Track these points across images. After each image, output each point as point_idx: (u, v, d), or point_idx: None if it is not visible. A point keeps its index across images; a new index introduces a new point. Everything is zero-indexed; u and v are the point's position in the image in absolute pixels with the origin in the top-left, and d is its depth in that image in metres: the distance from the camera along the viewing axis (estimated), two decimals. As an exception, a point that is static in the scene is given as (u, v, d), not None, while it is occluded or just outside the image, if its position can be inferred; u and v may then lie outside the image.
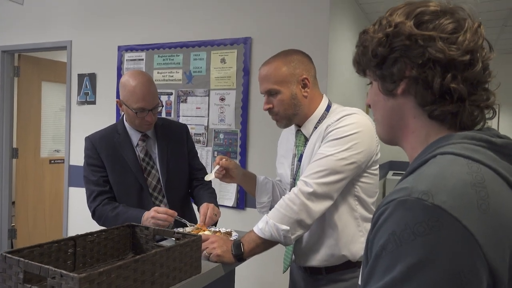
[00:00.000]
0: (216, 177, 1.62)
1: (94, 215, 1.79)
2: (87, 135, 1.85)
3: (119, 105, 1.78)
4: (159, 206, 1.76)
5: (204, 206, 1.71)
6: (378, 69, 0.75)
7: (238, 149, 3.03)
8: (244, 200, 3.01)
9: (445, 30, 0.69)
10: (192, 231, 1.62)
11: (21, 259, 0.94)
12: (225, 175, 1.63)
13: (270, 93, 1.48)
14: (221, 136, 3.09)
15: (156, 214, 1.58)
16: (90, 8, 3.64)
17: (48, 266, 0.88)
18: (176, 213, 1.62)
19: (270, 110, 1.51)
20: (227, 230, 1.67)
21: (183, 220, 1.68)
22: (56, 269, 0.86)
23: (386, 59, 0.73)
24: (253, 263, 1.40)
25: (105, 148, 1.79)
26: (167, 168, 1.83)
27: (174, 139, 1.90)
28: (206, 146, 3.11)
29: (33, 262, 0.92)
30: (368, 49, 0.75)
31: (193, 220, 1.91)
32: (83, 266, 1.19)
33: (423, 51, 0.68)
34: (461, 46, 0.68)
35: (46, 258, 1.08)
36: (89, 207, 1.79)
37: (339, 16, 3.11)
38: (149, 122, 1.75)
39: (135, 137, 1.83)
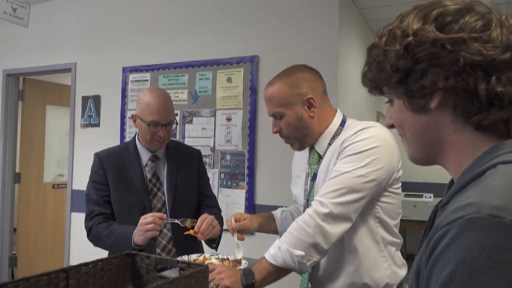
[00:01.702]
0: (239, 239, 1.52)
1: (89, 235, 1.72)
2: (96, 152, 1.81)
3: (133, 120, 1.74)
4: (162, 230, 1.65)
5: (203, 215, 1.61)
6: (402, 85, 0.66)
7: (246, 171, 2.91)
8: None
9: (475, 29, 0.60)
10: (196, 260, 1.50)
11: (2, 296, 0.82)
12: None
13: (276, 116, 1.39)
14: (228, 157, 2.98)
15: (143, 221, 1.50)
16: (95, 29, 3.61)
17: (30, 305, 0.76)
18: (164, 215, 1.55)
19: (280, 133, 1.42)
20: (236, 258, 1.55)
21: (176, 221, 1.60)
22: (39, 308, 0.74)
23: (410, 73, 0.64)
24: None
25: (112, 166, 1.73)
26: (174, 192, 1.74)
27: (186, 163, 1.83)
28: (213, 168, 2.99)
29: (14, 300, 0.80)
30: (385, 65, 0.66)
31: (199, 250, 1.79)
32: (76, 301, 1.07)
33: (456, 56, 0.59)
34: (497, 43, 0.59)
35: (34, 294, 0.96)
36: (85, 226, 1.73)
37: (347, 32, 3.03)
38: (161, 138, 1.68)
39: (145, 156, 1.76)
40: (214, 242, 1.75)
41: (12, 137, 4.07)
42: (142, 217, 1.52)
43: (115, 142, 3.43)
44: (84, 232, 3.61)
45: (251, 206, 2.89)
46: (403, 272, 1.35)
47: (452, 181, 0.74)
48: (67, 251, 3.63)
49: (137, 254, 1.23)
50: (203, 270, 1.07)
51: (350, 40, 3.13)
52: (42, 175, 4.37)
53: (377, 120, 3.99)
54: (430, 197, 5.14)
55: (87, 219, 1.72)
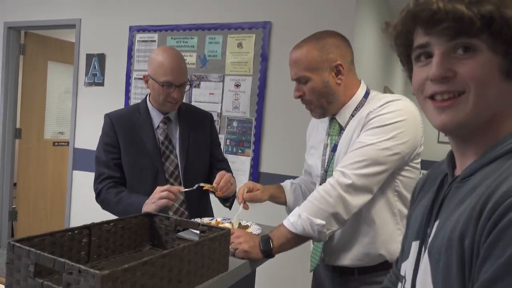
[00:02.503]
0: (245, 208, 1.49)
1: (98, 198, 1.71)
2: (107, 113, 1.76)
3: (145, 80, 1.68)
4: (180, 199, 1.65)
5: (221, 172, 1.61)
6: (508, 43, 0.59)
7: (252, 138, 2.90)
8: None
9: None
10: (209, 223, 1.50)
11: (32, 249, 0.81)
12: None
13: (300, 81, 1.35)
14: (235, 124, 2.96)
15: (155, 195, 1.47)
16: (102, -15, 3.49)
17: (64, 260, 0.75)
18: (181, 188, 1.52)
19: (302, 98, 1.38)
20: (247, 223, 1.56)
21: (192, 188, 1.56)
22: (73, 263, 0.74)
23: None
24: (274, 259, 1.28)
25: (123, 128, 1.69)
26: (187, 155, 1.71)
27: (197, 126, 1.79)
28: (219, 133, 2.97)
29: (45, 254, 0.79)
30: None
31: (211, 213, 1.79)
32: (98, 257, 1.07)
33: None
34: None
35: (58, 248, 0.96)
36: (95, 188, 1.71)
37: (364, 4, 2.95)
38: (175, 100, 1.64)
39: (157, 118, 1.72)
40: (228, 201, 1.75)
41: (13, 92, 3.99)
42: (158, 188, 1.49)
43: (119, 102, 3.38)
44: (86, 190, 3.62)
45: (255, 173, 2.90)
46: (416, 245, 1.36)
47: (451, 154, 0.74)
48: (68, 208, 3.64)
49: (156, 215, 1.22)
50: (226, 234, 1.07)
51: (366, 12, 3.05)
52: (43, 132, 4.33)
53: (384, 95, 3.97)
54: (428, 174, 5.18)
55: (96, 181, 1.70)
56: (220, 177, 1.57)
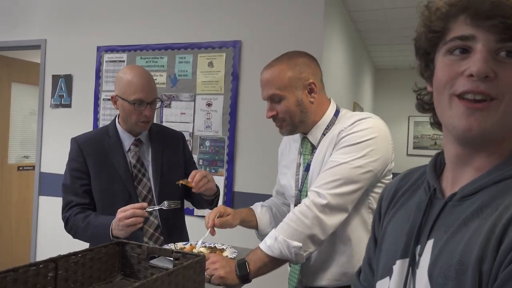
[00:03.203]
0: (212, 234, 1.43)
1: (66, 226, 1.63)
2: (73, 137, 1.68)
3: (113, 101, 1.63)
4: (148, 218, 1.59)
5: (194, 170, 1.56)
6: None
7: (225, 157, 2.88)
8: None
9: None
10: (183, 248, 1.46)
11: (-8, 289, 0.76)
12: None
13: (274, 99, 1.35)
14: (207, 143, 2.93)
15: (121, 215, 1.39)
16: (68, 4, 3.43)
17: (27, 299, 0.70)
18: (145, 204, 1.44)
19: (274, 118, 1.38)
20: (223, 247, 1.52)
21: (157, 207, 1.53)
22: (38, 303, 0.69)
23: None
24: (251, 283, 1.25)
25: (92, 152, 1.62)
26: (160, 177, 1.66)
27: (170, 146, 1.74)
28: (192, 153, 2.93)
29: (7, 293, 0.74)
30: None
31: (185, 239, 1.73)
32: (65, 292, 1.01)
33: None
34: None
35: (22, 285, 0.90)
36: (63, 217, 1.63)
37: (332, 22, 3.02)
38: (147, 118, 1.59)
39: (127, 141, 1.66)
40: (212, 203, 1.70)
41: (-26, 115, 3.84)
42: (119, 211, 1.41)
43: (87, 124, 3.30)
44: (53, 216, 3.47)
45: (229, 193, 2.87)
46: (392, 262, 1.36)
47: (435, 165, 0.71)
48: (34, 235, 3.48)
49: (127, 243, 1.17)
50: (201, 261, 1.04)
51: (334, 31, 3.12)
52: (6, 156, 4.16)
53: (354, 110, 4.03)
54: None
55: (64, 210, 1.62)
56: (195, 173, 1.53)
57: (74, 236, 1.62)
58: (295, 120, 1.35)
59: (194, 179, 1.51)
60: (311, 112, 1.36)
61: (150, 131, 1.71)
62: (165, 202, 1.54)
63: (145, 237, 1.60)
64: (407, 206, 0.74)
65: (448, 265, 0.59)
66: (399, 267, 0.69)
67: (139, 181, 1.64)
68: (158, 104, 1.67)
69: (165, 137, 1.76)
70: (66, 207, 1.62)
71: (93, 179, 1.61)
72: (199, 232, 1.75)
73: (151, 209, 1.51)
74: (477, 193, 0.62)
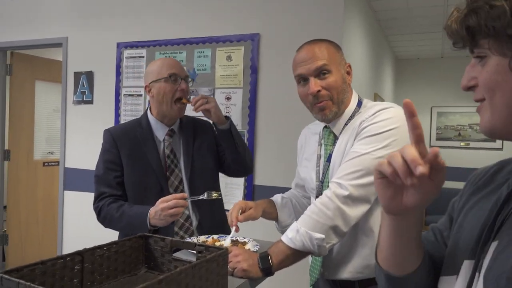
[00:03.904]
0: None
1: (99, 216, 1.64)
2: (107, 128, 1.72)
3: (147, 91, 1.68)
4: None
5: None
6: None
7: (244, 151, 2.87)
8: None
9: None
10: (205, 242, 1.47)
11: (22, 281, 0.78)
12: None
13: (322, 72, 1.29)
14: (227, 137, 2.93)
15: (165, 205, 1.42)
16: (87, 2, 3.47)
17: (55, 291, 0.72)
18: (186, 195, 1.47)
19: (319, 94, 1.30)
20: (245, 240, 1.52)
21: (200, 197, 1.54)
22: (66, 295, 0.70)
23: None
24: (274, 276, 1.25)
25: (125, 143, 1.64)
26: (191, 164, 1.67)
27: (200, 134, 1.75)
28: (211, 147, 2.94)
29: (36, 286, 0.75)
30: (505, 11, 0.55)
31: (219, 228, 1.66)
32: (91, 284, 1.03)
33: None
34: None
35: (50, 278, 0.92)
36: (94, 208, 1.64)
37: (352, 13, 2.97)
38: (183, 93, 1.63)
39: (160, 131, 1.68)
40: (231, 136, 1.69)
41: (0, 113, 3.94)
42: (161, 200, 1.44)
43: (109, 119, 3.35)
44: (78, 210, 3.56)
45: (250, 186, 2.87)
46: (416, 254, 1.34)
47: None
48: (60, 229, 3.57)
49: (151, 236, 1.19)
50: (224, 254, 1.04)
51: (354, 22, 3.07)
52: (32, 153, 4.26)
53: (374, 101, 3.99)
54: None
55: (96, 201, 1.64)
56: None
57: (107, 226, 1.64)
58: (340, 97, 1.31)
59: (195, 104, 1.61)
60: (349, 94, 1.36)
61: (181, 122, 1.73)
62: (206, 193, 1.56)
63: (176, 226, 1.62)
64: (490, 200, 0.69)
65: (501, 272, 0.56)
66: (466, 268, 0.65)
67: (171, 172, 1.66)
68: (190, 84, 1.72)
69: (195, 127, 1.77)
70: (98, 198, 1.64)
71: (126, 170, 1.64)
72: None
73: (193, 199, 1.53)
74: None
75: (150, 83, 1.65)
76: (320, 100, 1.30)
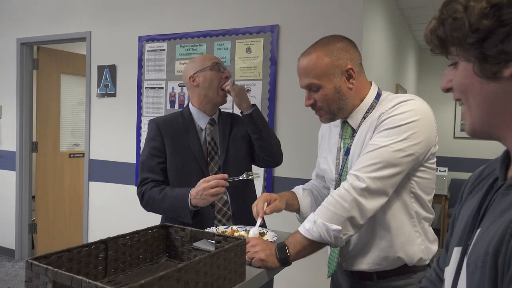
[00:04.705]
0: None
1: (142, 201, 1.72)
2: (152, 118, 1.83)
3: (191, 81, 1.77)
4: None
5: None
6: (477, 47, 0.61)
7: (265, 143, 2.89)
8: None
9: None
10: (224, 232, 1.50)
11: (50, 267, 0.82)
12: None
13: (311, 88, 1.33)
14: (247, 129, 2.95)
15: (206, 184, 1.50)
16: (110, -3, 3.53)
17: (81, 277, 0.76)
18: (226, 175, 1.55)
19: (313, 106, 1.37)
20: (263, 230, 1.55)
21: (240, 177, 1.61)
22: (91, 281, 0.74)
23: (491, 35, 0.59)
24: (292, 266, 1.27)
25: (169, 132, 1.75)
26: (226, 155, 1.77)
27: (236, 124, 1.85)
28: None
29: (63, 272, 0.80)
30: (464, 22, 0.61)
31: (249, 219, 1.68)
32: (115, 271, 1.08)
33: None
34: None
35: (76, 264, 0.97)
36: (138, 192, 1.74)
37: (372, 3, 2.93)
38: (228, 80, 1.76)
39: (202, 120, 1.79)
40: (253, 122, 1.77)
41: (28, 106, 4.07)
42: (202, 180, 1.52)
43: (132, 112, 3.42)
44: (102, 201, 3.66)
45: (269, 178, 2.89)
46: (435, 247, 1.34)
47: (507, 155, 0.70)
48: (86, 218, 3.69)
49: (171, 226, 1.22)
50: (242, 244, 1.06)
51: (375, 11, 3.02)
52: (58, 144, 4.40)
53: (396, 93, 3.93)
54: (445, 170, 5.12)
55: (139, 186, 1.74)
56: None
57: (150, 209, 1.72)
58: (333, 108, 1.34)
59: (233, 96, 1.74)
60: (350, 98, 1.33)
61: (220, 113, 1.84)
62: (245, 173, 1.64)
63: (215, 211, 1.70)
64: (478, 195, 0.74)
65: (478, 255, 0.60)
66: (455, 255, 0.71)
67: (211, 158, 1.76)
68: (230, 78, 1.81)
69: (232, 119, 1.88)
70: (141, 183, 1.73)
71: (169, 158, 1.73)
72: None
73: (232, 180, 1.59)
74: None
75: (194, 74, 1.74)
76: (315, 110, 1.37)
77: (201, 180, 1.53)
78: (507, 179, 0.67)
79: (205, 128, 1.78)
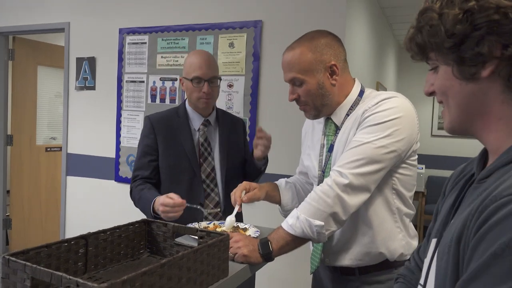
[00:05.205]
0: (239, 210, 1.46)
1: (131, 195, 1.77)
2: (147, 115, 1.83)
3: (181, 83, 1.78)
4: (209, 194, 1.76)
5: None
6: (454, 51, 0.65)
7: (247, 138, 2.88)
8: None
9: None
10: (206, 227, 1.49)
11: (28, 263, 0.80)
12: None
13: (295, 83, 1.34)
14: (229, 124, 2.94)
15: (165, 208, 1.50)
16: (90, -13, 3.45)
17: (61, 273, 0.74)
18: (185, 202, 1.51)
19: (297, 100, 1.37)
20: (245, 226, 1.54)
21: (199, 207, 1.61)
22: (71, 277, 0.72)
23: (466, 39, 0.63)
24: (275, 262, 1.27)
25: (163, 130, 1.76)
26: (227, 157, 1.79)
27: (234, 130, 1.89)
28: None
29: (42, 268, 0.77)
30: (440, 28, 0.64)
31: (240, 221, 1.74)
32: (95, 267, 1.05)
33: None
34: None
35: (55, 260, 0.94)
36: (130, 190, 1.78)
37: (355, 2, 2.95)
38: (205, 95, 1.70)
39: (197, 121, 1.79)
40: (260, 170, 1.86)
41: (2, 98, 3.95)
42: (161, 203, 1.50)
43: (111, 106, 3.36)
44: (80, 195, 3.60)
45: (251, 174, 2.88)
46: (415, 242, 1.36)
47: (485, 153, 0.73)
48: (63, 214, 3.61)
49: (153, 221, 1.21)
50: (225, 239, 1.06)
51: (357, 9, 3.04)
52: (35, 138, 4.28)
53: (376, 90, 3.98)
54: (422, 168, 5.21)
55: (131, 183, 1.78)
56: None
57: (136, 206, 1.74)
58: (317, 103, 1.34)
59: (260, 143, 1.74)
60: (333, 95, 1.34)
61: (217, 114, 1.84)
62: (204, 211, 1.67)
63: (207, 209, 1.73)
64: (457, 190, 0.77)
65: (446, 243, 0.64)
66: (432, 245, 0.74)
67: (204, 159, 1.76)
68: (218, 82, 1.77)
69: (230, 121, 1.89)
70: (132, 180, 1.77)
71: (161, 155, 1.74)
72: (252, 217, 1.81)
73: (191, 206, 1.56)
74: (490, 176, 0.64)
75: (182, 77, 1.76)
76: (299, 105, 1.38)
77: (160, 202, 1.51)
78: None
79: (199, 129, 1.78)
